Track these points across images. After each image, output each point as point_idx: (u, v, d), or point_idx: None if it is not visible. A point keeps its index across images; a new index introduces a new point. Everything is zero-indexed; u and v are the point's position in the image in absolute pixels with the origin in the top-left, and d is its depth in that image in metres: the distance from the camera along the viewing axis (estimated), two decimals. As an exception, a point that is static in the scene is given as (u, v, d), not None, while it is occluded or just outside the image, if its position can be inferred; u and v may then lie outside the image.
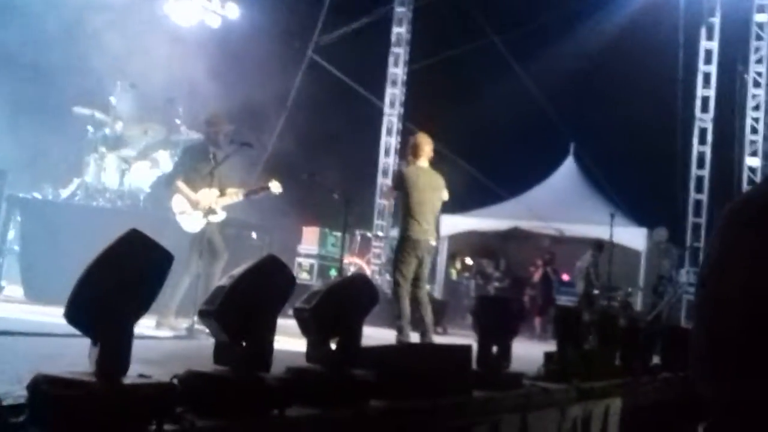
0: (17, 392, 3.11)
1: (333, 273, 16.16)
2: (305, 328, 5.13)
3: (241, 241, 14.09)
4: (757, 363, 0.55)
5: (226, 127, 9.47)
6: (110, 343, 3.33)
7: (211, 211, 9.22)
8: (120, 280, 3.40)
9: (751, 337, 0.56)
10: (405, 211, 9.48)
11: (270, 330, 4.40)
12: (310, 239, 17.32)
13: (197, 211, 9.17)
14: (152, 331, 8.49)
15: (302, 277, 16.77)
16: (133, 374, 3.66)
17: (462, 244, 20.32)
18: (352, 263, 18.65)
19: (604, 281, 16.38)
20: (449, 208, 19.16)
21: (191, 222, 9.18)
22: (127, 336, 3.38)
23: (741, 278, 0.57)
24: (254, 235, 14.81)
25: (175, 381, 3.95)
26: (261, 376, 4.29)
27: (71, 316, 3.28)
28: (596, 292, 16.44)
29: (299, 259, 17.26)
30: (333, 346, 5.10)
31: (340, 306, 5.19)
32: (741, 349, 0.56)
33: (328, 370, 4.96)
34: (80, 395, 3.04)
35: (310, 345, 5.12)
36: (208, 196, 9.22)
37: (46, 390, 3.03)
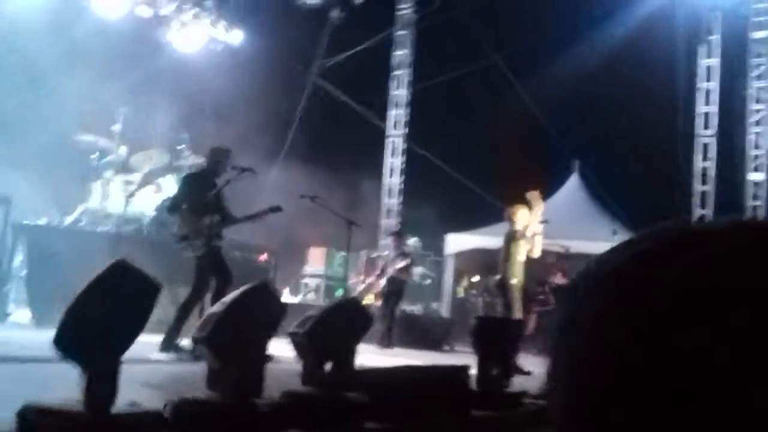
0: (8, 418, 3.13)
1: (340, 293, 16.15)
2: (300, 352, 5.18)
3: (247, 263, 14.16)
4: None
5: (228, 158, 9.64)
6: (98, 372, 3.37)
7: (214, 235, 9.30)
8: (107, 310, 3.44)
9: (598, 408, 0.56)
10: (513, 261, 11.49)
11: (261, 355, 4.44)
12: (316, 259, 17.38)
13: (201, 236, 9.24)
14: (157, 353, 8.54)
15: (309, 297, 16.80)
16: (127, 400, 3.67)
17: (468, 261, 20.30)
18: (362, 282, 18.65)
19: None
20: (455, 226, 19.21)
21: (196, 247, 9.25)
22: (115, 365, 3.42)
23: (580, 351, 0.58)
24: (263, 257, 14.88)
25: (168, 408, 3.99)
26: (253, 401, 4.31)
27: (60, 344, 3.33)
28: None
29: (306, 280, 17.29)
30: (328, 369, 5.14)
31: (334, 330, 5.24)
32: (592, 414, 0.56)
33: (324, 393, 4.99)
34: (66, 426, 3.08)
35: (305, 368, 5.16)
36: (211, 221, 9.30)
37: (33, 420, 3.08)
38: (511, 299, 11.39)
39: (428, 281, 19.32)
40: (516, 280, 11.44)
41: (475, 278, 20.24)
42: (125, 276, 3.65)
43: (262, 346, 4.52)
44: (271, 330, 4.68)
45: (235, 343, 4.32)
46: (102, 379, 3.45)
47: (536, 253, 11.76)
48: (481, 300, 19.58)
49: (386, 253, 16.30)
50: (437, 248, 19.94)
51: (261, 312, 4.58)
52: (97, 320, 3.49)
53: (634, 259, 0.64)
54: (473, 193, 19.77)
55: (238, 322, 4.37)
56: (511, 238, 11.67)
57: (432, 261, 19.96)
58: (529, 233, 11.57)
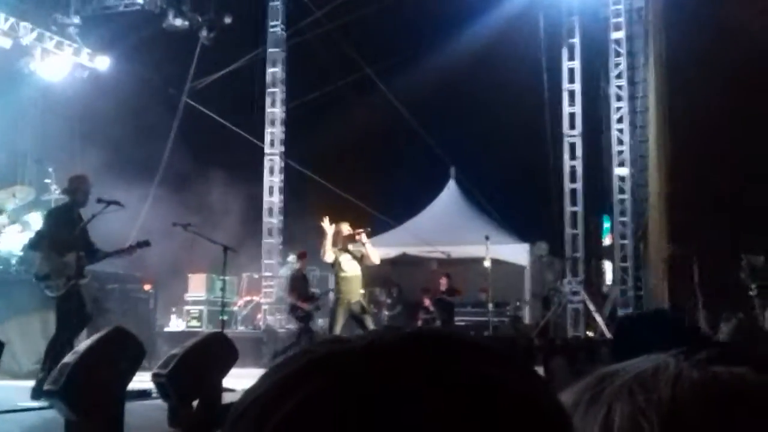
0: None
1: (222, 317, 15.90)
2: (164, 393, 5.10)
3: (125, 294, 13.86)
4: None
5: (86, 185, 9.41)
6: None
7: (77, 274, 9.03)
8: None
9: None
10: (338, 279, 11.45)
11: (119, 403, 4.36)
12: (197, 286, 17.12)
13: (62, 275, 8.97)
14: (27, 401, 8.25)
15: (192, 324, 16.54)
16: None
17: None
18: (247, 302, 18.47)
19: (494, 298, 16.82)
20: (338, 240, 19.18)
21: (55, 287, 8.97)
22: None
23: None
24: (147, 286, 14.58)
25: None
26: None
27: None
28: None
29: (188, 307, 17.03)
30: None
31: (198, 367, 5.18)
32: None
33: (190, 433, 4.92)
34: None
35: (170, 409, 5.08)
36: (76, 258, 9.05)
37: None
38: (332, 317, 11.28)
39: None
40: (341, 296, 11.24)
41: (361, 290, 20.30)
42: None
43: (120, 392, 4.43)
44: (129, 373, 4.60)
45: (89, 392, 4.22)
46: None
47: (375, 260, 11.53)
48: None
49: (286, 273, 16.11)
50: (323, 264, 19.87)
51: (118, 357, 4.49)
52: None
53: (262, 394, 0.59)
54: (356, 206, 19.86)
55: (92, 370, 4.27)
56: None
57: (318, 276, 19.91)
58: (340, 257, 11.36)
